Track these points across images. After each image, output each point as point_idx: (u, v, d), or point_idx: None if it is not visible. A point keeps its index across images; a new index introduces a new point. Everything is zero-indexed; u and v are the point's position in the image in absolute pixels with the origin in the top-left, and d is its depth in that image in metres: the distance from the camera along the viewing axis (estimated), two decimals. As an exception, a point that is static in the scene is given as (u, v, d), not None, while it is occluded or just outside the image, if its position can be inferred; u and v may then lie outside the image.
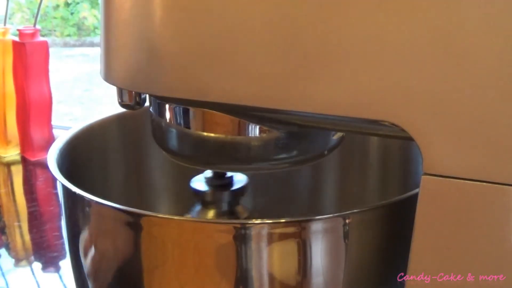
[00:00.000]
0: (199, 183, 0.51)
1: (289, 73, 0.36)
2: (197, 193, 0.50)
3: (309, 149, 0.44)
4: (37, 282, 0.68)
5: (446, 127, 0.34)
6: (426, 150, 0.35)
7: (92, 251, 0.46)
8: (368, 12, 0.34)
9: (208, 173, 0.51)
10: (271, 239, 0.40)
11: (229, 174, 0.51)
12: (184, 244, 0.41)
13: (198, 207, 0.51)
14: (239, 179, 0.51)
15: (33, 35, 0.94)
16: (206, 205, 0.50)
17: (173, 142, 0.44)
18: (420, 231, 0.36)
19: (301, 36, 0.36)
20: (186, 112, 0.43)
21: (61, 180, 0.46)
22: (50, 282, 0.68)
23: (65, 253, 0.73)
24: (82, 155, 0.55)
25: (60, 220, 0.81)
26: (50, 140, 0.98)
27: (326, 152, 0.45)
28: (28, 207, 0.86)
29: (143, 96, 0.46)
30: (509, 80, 0.33)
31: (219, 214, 0.50)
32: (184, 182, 0.51)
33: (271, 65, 0.36)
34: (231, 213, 0.50)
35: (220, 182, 0.50)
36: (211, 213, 0.50)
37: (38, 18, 0.96)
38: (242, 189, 0.51)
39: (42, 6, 0.97)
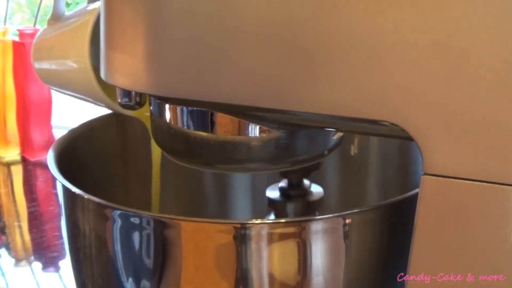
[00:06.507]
0: (274, 192, 0.49)
1: (289, 73, 0.36)
2: (271, 202, 0.49)
3: (309, 149, 0.44)
4: (37, 282, 0.68)
5: (446, 127, 0.34)
6: (426, 150, 0.35)
7: (91, 251, 0.46)
8: (368, 12, 0.34)
9: (283, 182, 0.49)
10: (271, 239, 0.40)
11: (305, 184, 0.49)
12: (184, 244, 0.41)
13: (271, 217, 0.49)
14: (317, 191, 0.49)
15: (33, 35, 0.94)
16: (279, 215, 0.49)
17: (173, 142, 0.44)
18: (420, 231, 0.36)
19: (301, 36, 0.36)
20: (186, 112, 0.43)
21: (61, 180, 0.46)
22: (50, 282, 0.68)
23: (65, 253, 0.73)
24: (82, 155, 0.55)
25: (60, 220, 0.81)
26: (50, 140, 0.98)
27: (326, 152, 0.45)
28: (28, 207, 0.86)
29: (143, 96, 0.46)
30: (509, 80, 0.33)
31: None
32: (184, 182, 0.51)
33: (271, 65, 0.36)
34: None
35: (294, 193, 0.49)
36: None
37: (38, 18, 0.96)
38: (318, 202, 0.49)
39: (42, 6, 0.97)
